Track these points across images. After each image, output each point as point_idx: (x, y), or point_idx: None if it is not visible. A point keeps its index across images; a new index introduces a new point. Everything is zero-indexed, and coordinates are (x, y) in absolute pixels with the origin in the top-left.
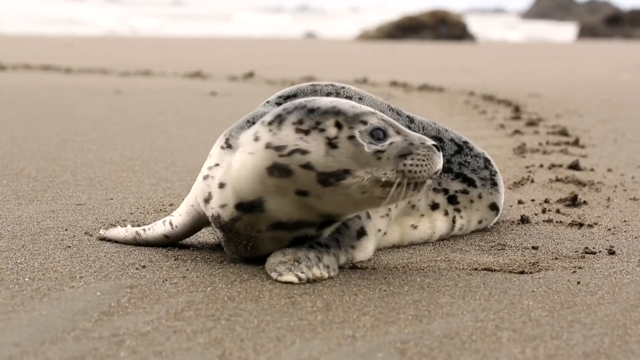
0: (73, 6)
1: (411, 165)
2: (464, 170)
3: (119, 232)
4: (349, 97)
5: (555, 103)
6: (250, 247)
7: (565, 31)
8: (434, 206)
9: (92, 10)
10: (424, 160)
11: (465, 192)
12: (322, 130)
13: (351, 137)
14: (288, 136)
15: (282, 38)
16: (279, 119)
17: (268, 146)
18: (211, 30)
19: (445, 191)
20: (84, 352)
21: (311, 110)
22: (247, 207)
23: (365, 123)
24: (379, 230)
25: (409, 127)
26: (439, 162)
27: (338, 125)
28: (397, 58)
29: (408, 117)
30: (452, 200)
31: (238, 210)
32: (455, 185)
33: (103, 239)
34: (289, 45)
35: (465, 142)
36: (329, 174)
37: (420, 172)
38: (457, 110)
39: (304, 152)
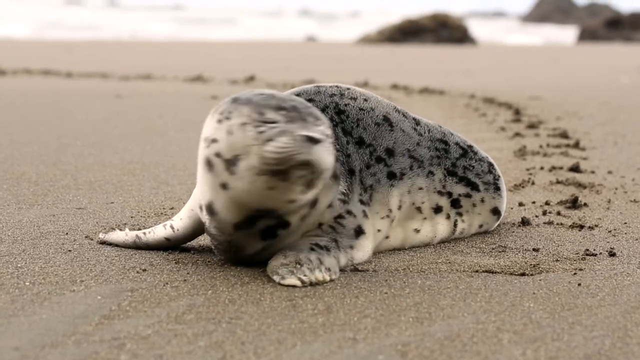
0: (74, 11)
1: (270, 151)
2: (468, 174)
3: (119, 235)
4: (354, 98)
5: (555, 106)
6: (233, 251)
7: (565, 34)
8: (437, 209)
9: (93, 15)
10: (284, 147)
11: (468, 195)
12: (228, 119)
13: (243, 124)
14: (211, 126)
15: (283, 41)
16: (214, 111)
17: (204, 139)
18: (212, 34)
19: (449, 194)
20: (85, 355)
21: (233, 101)
22: (208, 209)
23: (261, 114)
24: (379, 230)
25: (415, 129)
26: (307, 152)
27: (240, 115)
28: (398, 61)
29: (414, 119)
30: (455, 203)
31: (207, 214)
32: (459, 189)
33: (103, 242)
34: (290, 48)
35: (470, 146)
36: (229, 161)
37: (279, 156)
38: (458, 113)
39: (215, 140)
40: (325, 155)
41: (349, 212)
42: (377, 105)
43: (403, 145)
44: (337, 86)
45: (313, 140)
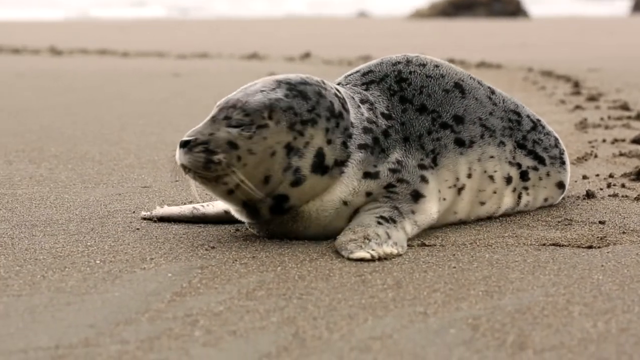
0: None
1: None
2: (537, 148)
3: (173, 209)
4: (423, 65)
5: (614, 77)
6: (274, 233)
7: (619, 5)
8: (508, 180)
9: None
10: (174, 154)
11: (535, 169)
12: None
13: None
14: None
15: (335, 17)
16: None
17: None
18: (261, 10)
19: (519, 165)
20: (159, 332)
21: None
22: None
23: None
24: (444, 199)
25: (490, 99)
26: (178, 157)
27: None
28: (452, 36)
29: (489, 88)
30: (523, 176)
31: None
32: (527, 162)
33: (160, 219)
34: (343, 24)
35: (539, 120)
36: None
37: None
38: (517, 86)
39: None
40: (190, 156)
41: (401, 180)
42: (448, 72)
43: (475, 113)
44: (405, 55)
45: (183, 145)
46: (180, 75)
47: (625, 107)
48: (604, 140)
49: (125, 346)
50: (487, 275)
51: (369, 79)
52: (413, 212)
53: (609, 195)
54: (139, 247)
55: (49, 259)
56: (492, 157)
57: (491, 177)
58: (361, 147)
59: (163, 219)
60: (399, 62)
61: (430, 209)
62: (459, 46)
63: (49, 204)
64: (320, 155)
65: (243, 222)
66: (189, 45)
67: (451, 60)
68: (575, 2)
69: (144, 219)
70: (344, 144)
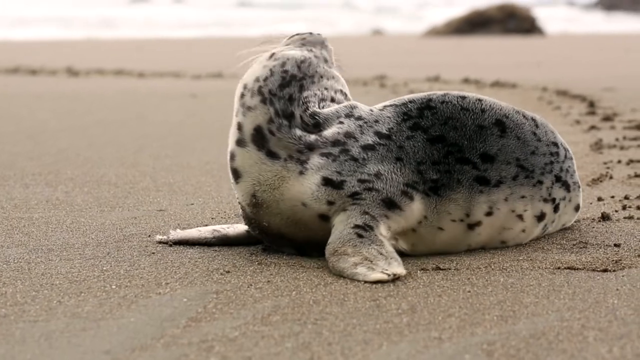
0: (142, 8)
1: None
2: (567, 177)
3: (191, 232)
4: (463, 97)
5: (629, 97)
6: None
7: (636, 22)
8: (540, 217)
9: (161, 11)
10: None
11: (564, 198)
12: None
13: None
14: None
15: (350, 35)
16: None
17: None
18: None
19: (553, 201)
20: (174, 358)
21: None
22: None
23: None
24: (441, 228)
25: (534, 134)
26: None
27: None
28: (467, 54)
29: (533, 120)
30: (556, 209)
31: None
32: (560, 193)
33: (176, 242)
34: (359, 42)
35: (562, 143)
36: None
37: None
38: (532, 106)
39: None
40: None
41: (369, 189)
42: (491, 107)
43: (512, 153)
44: (448, 92)
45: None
46: (196, 96)
47: None
48: (619, 161)
49: None
50: (501, 300)
51: (392, 103)
52: (387, 217)
53: (625, 218)
54: (154, 271)
55: (65, 284)
56: (523, 197)
57: (520, 217)
58: (323, 155)
59: (180, 242)
60: (435, 93)
61: (402, 222)
62: (474, 64)
63: (65, 227)
64: (258, 132)
65: (260, 244)
66: (204, 65)
67: (466, 80)
68: (591, 19)
69: (160, 242)
70: (300, 151)
